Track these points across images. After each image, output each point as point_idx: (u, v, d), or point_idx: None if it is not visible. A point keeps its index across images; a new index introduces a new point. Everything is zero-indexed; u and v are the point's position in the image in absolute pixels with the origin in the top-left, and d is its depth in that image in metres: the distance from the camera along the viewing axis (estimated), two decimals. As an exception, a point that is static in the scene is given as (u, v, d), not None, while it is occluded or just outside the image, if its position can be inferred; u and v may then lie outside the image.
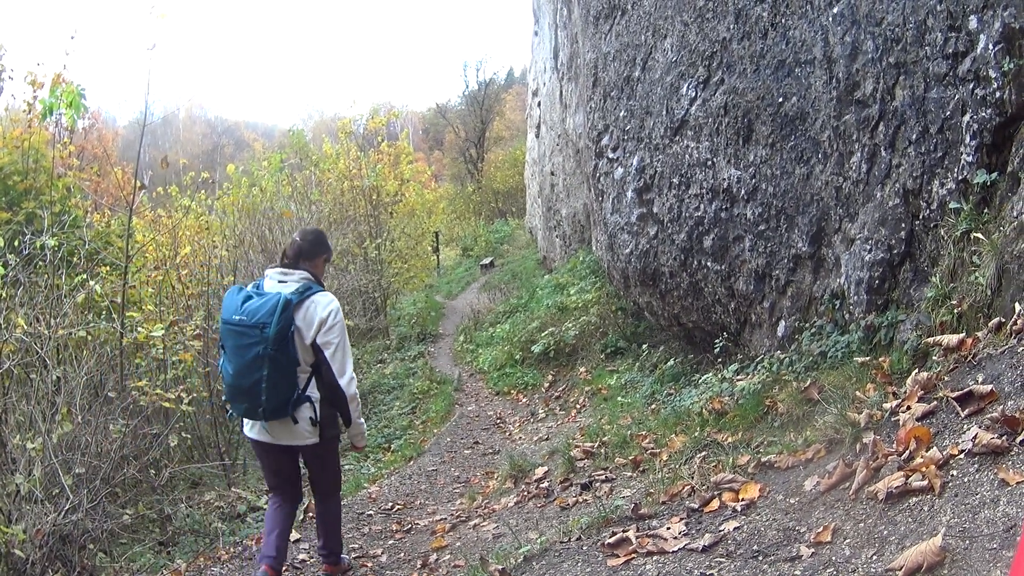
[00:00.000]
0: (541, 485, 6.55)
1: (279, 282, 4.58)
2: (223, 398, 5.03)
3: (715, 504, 4.12)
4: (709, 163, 7.30)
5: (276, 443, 4.67)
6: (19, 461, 5.24)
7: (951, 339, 4.06)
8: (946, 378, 3.82)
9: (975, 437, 3.02)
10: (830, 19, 5.59)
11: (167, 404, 6.76)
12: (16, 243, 6.83)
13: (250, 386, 4.37)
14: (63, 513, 5.16)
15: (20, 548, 4.75)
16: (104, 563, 5.55)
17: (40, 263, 6.91)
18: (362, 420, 4.96)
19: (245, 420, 4.72)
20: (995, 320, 3.87)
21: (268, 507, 4.94)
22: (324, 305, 4.52)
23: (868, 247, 5.38)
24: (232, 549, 6.20)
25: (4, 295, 5.89)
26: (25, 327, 5.91)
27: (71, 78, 7.99)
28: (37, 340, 6.01)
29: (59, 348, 6.46)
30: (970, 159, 4.46)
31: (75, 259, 7.95)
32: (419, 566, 5.39)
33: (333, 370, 4.50)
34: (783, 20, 6.14)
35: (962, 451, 3.04)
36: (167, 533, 6.49)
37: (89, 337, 6.72)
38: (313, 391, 4.60)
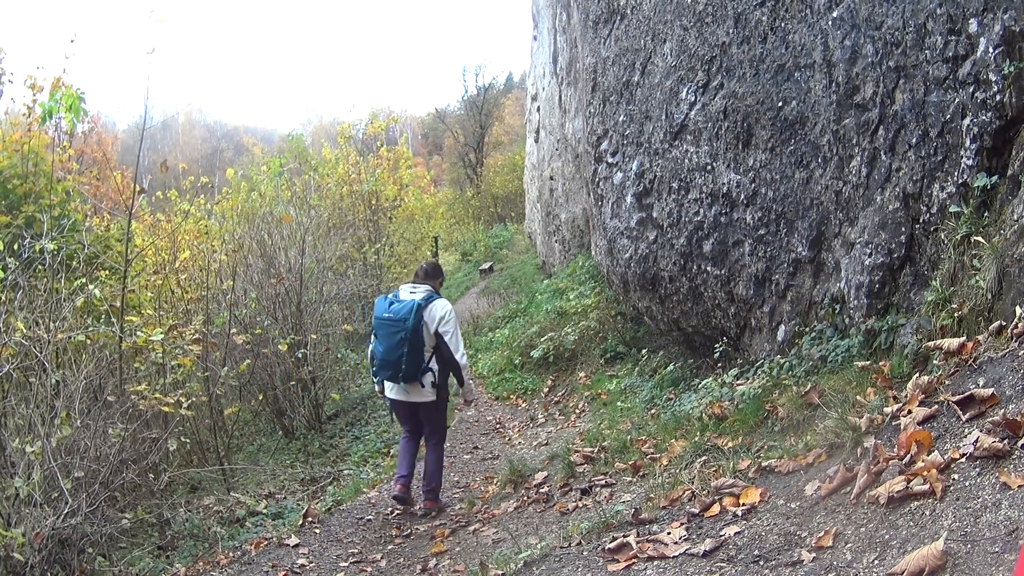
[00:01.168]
0: (541, 490, 6.55)
1: (410, 292, 6.86)
2: (372, 370, 7.04)
3: (716, 509, 4.11)
4: (709, 167, 7.30)
5: (408, 400, 6.88)
6: (18, 465, 5.22)
7: (952, 343, 4.05)
8: (947, 382, 3.81)
9: (976, 441, 3.02)
10: (830, 23, 5.59)
11: (166, 408, 6.75)
12: (15, 247, 6.83)
13: (395, 360, 6.59)
14: (62, 517, 5.14)
15: (19, 551, 4.74)
16: (103, 567, 5.54)
17: (39, 267, 6.90)
18: (472, 382, 7.27)
19: (387, 384, 6.89)
20: (996, 324, 3.87)
21: (400, 441, 7.39)
22: (441, 307, 6.81)
23: (868, 251, 5.38)
24: (231, 554, 6.19)
25: (3, 298, 5.89)
26: (24, 331, 5.90)
27: (71, 82, 7.99)
28: (36, 344, 6.00)
29: (58, 352, 6.45)
30: (970, 163, 4.46)
31: (74, 263, 7.94)
32: (419, 571, 5.38)
33: (450, 348, 6.74)
34: (782, 24, 6.14)
35: (963, 455, 3.03)
36: (166, 537, 6.48)
37: (88, 341, 6.71)
38: (433, 364, 6.83)
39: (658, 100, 8.19)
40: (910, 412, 3.72)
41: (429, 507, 7.06)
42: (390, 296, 6.93)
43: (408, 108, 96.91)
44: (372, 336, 6.90)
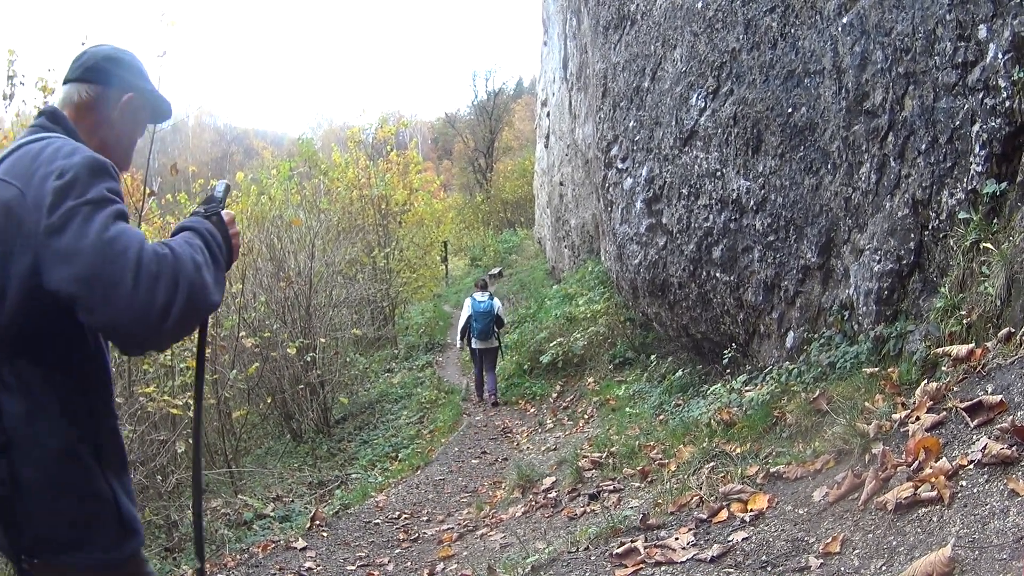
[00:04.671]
0: (549, 495, 6.55)
1: (482, 296, 13.66)
2: (469, 335, 13.50)
3: (723, 515, 4.10)
4: (718, 173, 7.30)
5: (483, 347, 13.55)
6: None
7: (960, 349, 4.03)
8: (955, 388, 3.80)
9: (984, 447, 3.00)
10: (839, 29, 5.59)
11: (174, 411, 6.77)
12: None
13: (484, 329, 13.36)
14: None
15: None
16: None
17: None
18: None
19: (474, 340, 13.45)
20: (1004, 330, 3.85)
21: (475, 372, 14.29)
22: (498, 302, 13.88)
23: (877, 258, 5.36)
24: (238, 556, 6.20)
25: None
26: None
27: (82, 84, 8.00)
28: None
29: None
30: (979, 169, 4.45)
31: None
32: (426, 575, 5.38)
33: (503, 318, 14.01)
34: (792, 30, 6.14)
35: (971, 461, 3.02)
36: (173, 539, 6.50)
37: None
38: (495, 329, 13.64)
39: (668, 106, 8.19)
40: (918, 418, 3.70)
41: (496, 401, 13.46)
42: (475, 295, 13.67)
43: (418, 113, 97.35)
44: (466, 318, 13.60)
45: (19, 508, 1.82)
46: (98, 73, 2.20)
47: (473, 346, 13.44)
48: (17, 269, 1.78)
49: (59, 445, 1.85)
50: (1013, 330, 3.78)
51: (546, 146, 23.48)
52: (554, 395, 12.69)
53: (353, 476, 9.60)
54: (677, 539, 3.94)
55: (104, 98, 2.19)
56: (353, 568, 5.85)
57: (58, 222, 1.72)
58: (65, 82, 2.22)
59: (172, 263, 1.77)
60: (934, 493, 2.97)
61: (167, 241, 1.89)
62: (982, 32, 4.38)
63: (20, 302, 1.79)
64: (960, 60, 4.53)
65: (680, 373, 9.19)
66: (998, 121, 4.31)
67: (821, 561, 3.06)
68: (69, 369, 1.90)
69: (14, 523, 1.83)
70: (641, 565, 3.75)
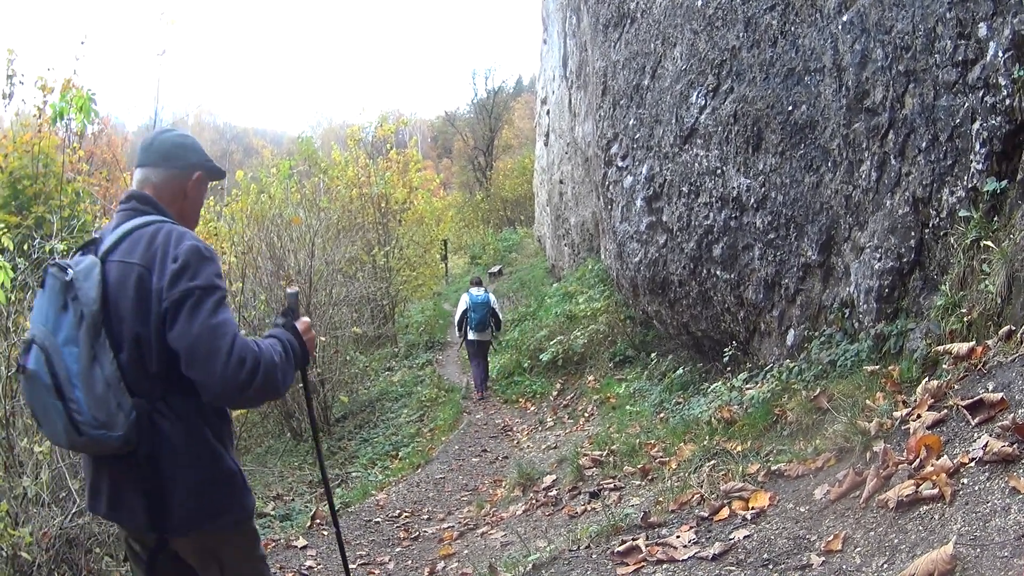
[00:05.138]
0: (549, 493, 6.55)
1: (478, 290, 14.34)
2: (467, 327, 13.99)
3: (725, 513, 4.10)
4: (718, 171, 7.30)
5: (478, 339, 13.98)
6: (26, 464, 5.24)
7: (961, 347, 4.04)
8: (956, 386, 3.80)
9: (986, 445, 3.00)
10: (840, 27, 5.59)
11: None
12: (25, 247, 6.84)
13: (481, 320, 13.94)
14: (70, 516, 5.16)
15: (26, 551, 4.75)
16: (110, 567, 5.55)
17: (49, 267, 6.91)
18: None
19: (470, 331, 13.96)
20: (1005, 328, 3.85)
21: (472, 366, 14.64)
22: (493, 297, 14.78)
23: (878, 255, 5.36)
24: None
25: (13, 299, 5.90)
26: (34, 331, 5.92)
27: (81, 83, 7.97)
28: (46, 344, 6.01)
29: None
30: (980, 167, 4.45)
31: (84, 264, 7.95)
32: (426, 574, 5.39)
33: (499, 313, 14.66)
34: (793, 28, 6.14)
35: (973, 459, 3.02)
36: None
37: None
38: (491, 321, 14.19)
39: (668, 104, 8.19)
40: (919, 416, 3.70)
41: (483, 395, 14.03)
42: (471, 290, 14.38)
43: (418, 111, 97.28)
44: (462, 310, 14.23)
45: (174, 498, 2.50)
46: (171, 159, 2.79)
47: (470, 337, 14.04)
48: (156, 325, 2.44)
49: (200, 447, 2.55)
50: (1014, 328, 3.78)
51: (546, 144, 23.47)
52: (554, 393, 12.68)
53: (353, 474, 9.60)
54: (678, 537, 3.94)
55: (179, 178, 2.80)
56: (354, 567, 5.84)
57: (178, 297, 2.40)
58: (140, 165, 2.80)
59: (255, 354, 2.44)
60: (935, 491, 2.97)
61: (257, 340, 2.57)
62: (982, 30, 4.38)
63: (160, 352, 2.45)
64: (960, 58, 4.53)
65: (680, 371, 9.19)
66: (998, 119, 4.31)
67: (823, 559, 3.06)
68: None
69: (166, 510, 2.50)
70: (642, 563, 3.75)
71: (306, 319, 2.90)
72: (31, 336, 2.48)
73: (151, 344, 2.45)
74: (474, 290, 14.36)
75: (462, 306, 14.38)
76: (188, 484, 2.52)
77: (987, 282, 4.16)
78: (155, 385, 2.49)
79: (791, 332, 6.65)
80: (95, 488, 2.64)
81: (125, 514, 2.60)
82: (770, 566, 3.22)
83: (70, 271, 2.50)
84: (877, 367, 4.94)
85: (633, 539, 4.03)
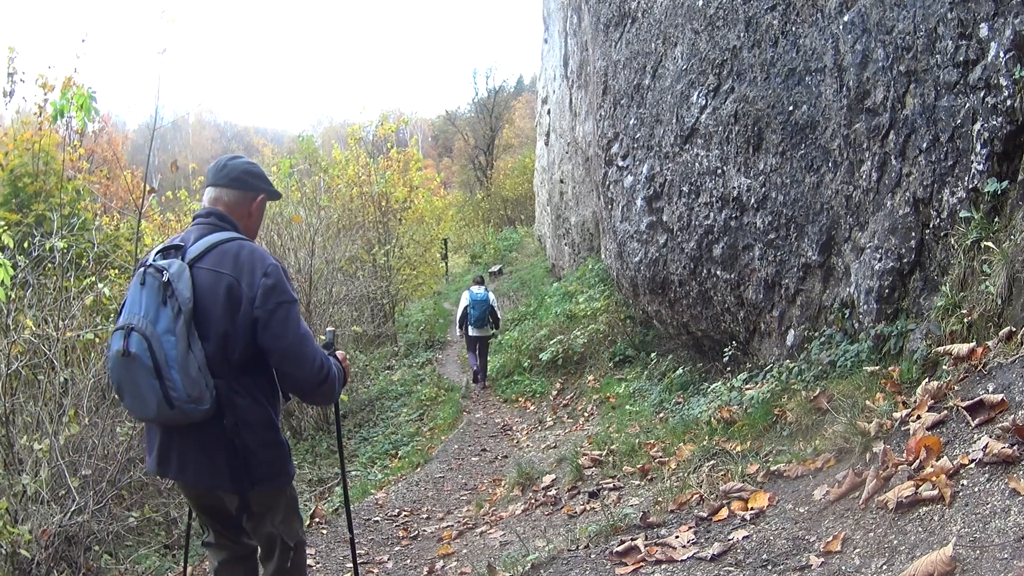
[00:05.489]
0: (549, 493, 6.54)
1: (478, 289, 14.75)
2: (468, 323, 14.47)
3: (724, 513, 4.09)
4: (719, 171, 7.29)
5: (478, 335, 14.55)
6: (26, 462, 5.24)
7: (961, 348, 4.03)
8: (956, 387, 3.79)
9: (986, 446, 3.00)
10: (841, 27, 5.58)
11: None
12: (26, 245, 6.85)
13: (481, 316, 14.36)
14: (69, 514, 5.16)
15: (26, 548, 4.75)
16: (109, 565, 5.55)
17: (49, 265, 6.92)
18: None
19: (470, 327, 14.42)
20: (1005, 329, 3.85)
21: (469, 357, 15.46)
22: (492, 295, 14.98)
23: (878, 256, 5.36)
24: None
25: (13, 296, 5.90)
26: (33, 329, 5.92)
27: (82, 81, 7.98)
28: (45, 342, 6.01)
29: (67, 350, 6.46)
30: (981, 168, 4.44)
31: (84, 262, 7.96)
32: (425, 573, 5.38)
33: (498, 311, 15.07)
34: (794, 28, 6.13)
35: (972, 460, 3.01)
36: (172, 536, 6.48)
37: (97, 339, 6.73)
38: (490, 318, 14.61)
39: (669, 103, 8.18)
40: (919, 417, 3.70)
41: (485, 384, 14.77)
42: (472, 288, 14.84)
43: (418, 110, 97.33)
44: (464, 308, 14.66)
45: (250, 461, 3.14)
46: (240, 182, 3.40)
47: (470, 333, 14.68)
48: (242, 324, 3.07)
49: (266, 420, 3.21)
50: (1014, 329, 3.78)
51: (546, 143, 23.47)
52: (554, 393, 12.67)
53: (353, 473, 9.59)
54: (677, 537, 3.93)
55: (245, 199, 3.42)
56: (351, 565, 5.84)
57: (272, 309, 3.09)
58: (212, 185, 3.39)
59: (329, 365, 3.27)
60: (935, 492, 2.97)
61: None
62: (983, 31, 4.38)
63: (244, 346, 3.09)
64: (961, 58, 4.53)
65: (680, 371, 9.19)
66: (999, 120, 4.31)
67: (822, 560, 3.05)
68: (266, 377, 3.23)
69: (247, 469, 3.13)
70: (641, 563, 3.75)
71: (342, 352, 3.63)
72: (128, 324, 3.01)
73: (236, 339, 3.07)
74: (475, 288, 14.87)
75: (463, 303, 14.90)
76: (261, 449, 3.18)
77: (987, 283, 4.16)
78: (232, 370, 3.10)
79: (791, 332, 6.65)
80: (164, 455, 3.21)
81: (204, 475, 3.20)
82: (769, 567, 3.22)
83: (165, 273, 3.04)
84: (877, 368, 4.94)
85: (632, 539, 4.03)
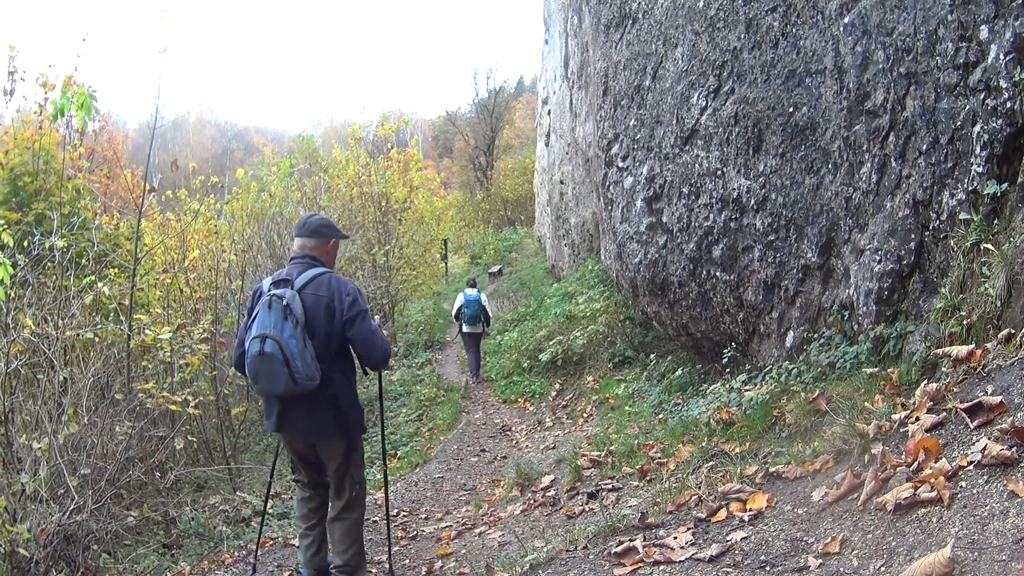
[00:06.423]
0: (547, 493, 6.54)
1: (472, 288, 16.31)
2: (462, 321, 16.15)
3: (722, 514, 4.09)
4: (719, 173, 7.29)
5: (471, 332, 16.10)
6: (25, 461, 5.24)
7: (960, 350, 4.03)
8: (955, 389, 3.80)
9: (984, 448, 3.00)
10: (841, 29, 5.58)
11: (174, 407, 6.76)
12: (25, 243, 6.86)
13: (474, 315, 15.83)
14: (68, 513, 5.16)
15: (24, 547, 4.76)
16: (108, 564, 5.55)
17: (49, 264, 6.93)
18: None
19: (464, 325, 16.06)
20: (1004, 331, 3.85)
21: (467, 355, 16.63)
22: (484, 296, 16.62)
23: (877, 258, 5.36)
24: (236, 553, 6.19)
25: (13, 295, 5.90)
26: (33, 327, 5.93)
27: (82, 80, 7.97)
28: (45, 341, 6.02)
29: (66, 349, 6.47)
30: (980, 170, 4.44)
31: (84, 261, 7.97)
32: (424, 573, 5.38)
33: (488, 310, 16.41)
34: (794, 30, 6.13)
35: (971, 462, 3.02)
36: (171, 536, 6.48)
37: (96, 339, 6.74)
38: (482, 316, 16.20)
39: (669, 104, 8.18)
40: (918, 419, 3.70)
41: (478, 378, 15.95)
42: (466, 291, 16.23)
43: (419, 110, 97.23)
44: (459, 307, 16.13)
45: (344, 417, 4.69)
46: (318, 233, 4.92)
47: (464, 330, 16.46)
48: (336, 326, 4.60)
49: (351, 390, 4.77)
50: (1013, 331, 3.78)
51: (547, 144, 23.48)
52: (553, 393, 12.68)
53: (352, 473, 9.57)
54: (676, 538, 3.93)
55: (323, 243, 4.93)
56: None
57: (354, 315, 4.59)
58: (299, 236, 4.91)
59: (389, 346, 4.90)
60: (933, 494, 2.97)
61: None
62: (983, 33, 4.37)
63: (338, 341, 4.64)
64: (961, 61, 4.53)
65: (679, 372, 9.19)
66: (999, 122, 4.31)
67: (820, 561, 3.05)
68: (351, 361, 4.83)
69: (345, 424, 4.71)
70: (639, 564, 3.75)
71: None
72: (264, 333, 4.40)
73: (333, 336, 4.60)
74: (468, 290, 16.54)
75: (458, 303, 16.59)
76: (350, 410, 4.74)
77: (987, 285, 4.16)
78: (331, 357, 4.62)
79: (790, 334, 6.65)
80: (281, 418, 4.67)
81: (313, 429, 4.68)
82: (767, 568, 3.22)
83: (284, 299, 4.47)
84: (876, 369, 4.94)
85: (630, 540, 4.03)
